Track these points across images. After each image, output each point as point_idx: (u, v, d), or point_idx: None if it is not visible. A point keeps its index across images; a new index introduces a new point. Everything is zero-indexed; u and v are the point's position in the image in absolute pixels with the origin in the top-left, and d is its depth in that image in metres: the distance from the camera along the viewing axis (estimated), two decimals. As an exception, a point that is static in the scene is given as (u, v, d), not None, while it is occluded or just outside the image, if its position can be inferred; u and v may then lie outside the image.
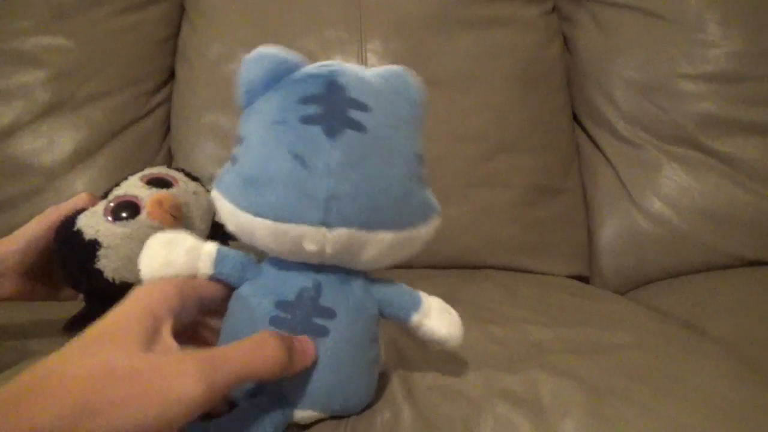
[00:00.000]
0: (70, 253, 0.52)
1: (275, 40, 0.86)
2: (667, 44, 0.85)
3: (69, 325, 0.56)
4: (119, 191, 0.53)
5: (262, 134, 0.32)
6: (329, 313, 0.34)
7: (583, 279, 0.84)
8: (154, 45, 0.91)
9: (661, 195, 0.83)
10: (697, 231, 0.80)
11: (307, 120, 0.31)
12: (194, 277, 0.34)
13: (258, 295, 0.34)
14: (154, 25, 0.91)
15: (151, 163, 0.86)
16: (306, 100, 0.32)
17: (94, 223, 0.51)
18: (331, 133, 0.31)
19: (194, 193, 0.57)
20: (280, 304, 0.34)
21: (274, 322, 0.33)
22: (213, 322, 0.37)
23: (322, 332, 0.33)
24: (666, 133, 0.85)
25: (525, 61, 0.86)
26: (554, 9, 0.93)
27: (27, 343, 0.57)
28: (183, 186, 0.56)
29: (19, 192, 0.80)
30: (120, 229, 0.51)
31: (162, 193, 0.53)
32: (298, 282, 0.34)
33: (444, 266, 0.78)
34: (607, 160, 0.88)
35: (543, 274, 0.81)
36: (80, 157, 0.83)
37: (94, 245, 0.51)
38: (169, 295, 0.31)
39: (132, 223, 0.51)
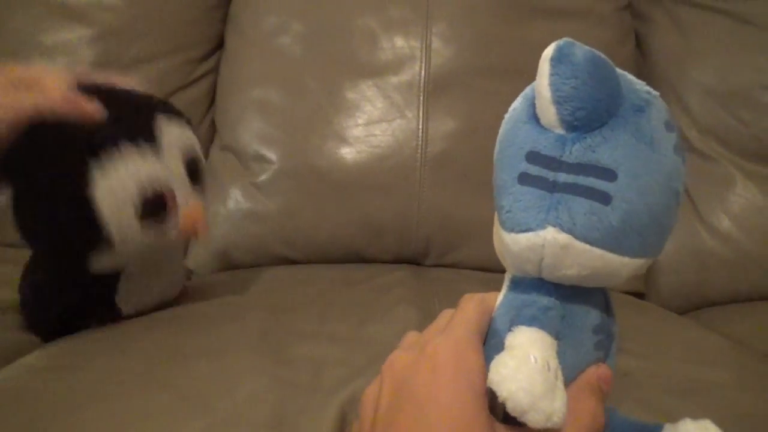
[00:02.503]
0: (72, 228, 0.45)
1: (334, 16, 0.83)
2: (754, 52, 0.80)
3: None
4: (158, 170, 0.48)
5: (644, 168, 0.26)
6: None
7: (638, 296, 0.79)
8: (204, 11, 0.86)
9: (731, 213, 0.78)
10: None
11: (678, 150, 0.27)
12: None
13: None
14: (205, -10, 0.86)
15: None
16: (670, 127, 0.27)
17: (118, 217, 0.45)
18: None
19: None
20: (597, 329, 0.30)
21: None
22: None
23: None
24: (743, 147, 0.79)
25: (597, 58, 0.80)
26: (629, 5, 0.87)
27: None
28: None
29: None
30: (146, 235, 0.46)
31: (199, 206, 0.50)
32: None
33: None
34: (676, 171, 0.82)
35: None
36: (121, 122, 0.79)
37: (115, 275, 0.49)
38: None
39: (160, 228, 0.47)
